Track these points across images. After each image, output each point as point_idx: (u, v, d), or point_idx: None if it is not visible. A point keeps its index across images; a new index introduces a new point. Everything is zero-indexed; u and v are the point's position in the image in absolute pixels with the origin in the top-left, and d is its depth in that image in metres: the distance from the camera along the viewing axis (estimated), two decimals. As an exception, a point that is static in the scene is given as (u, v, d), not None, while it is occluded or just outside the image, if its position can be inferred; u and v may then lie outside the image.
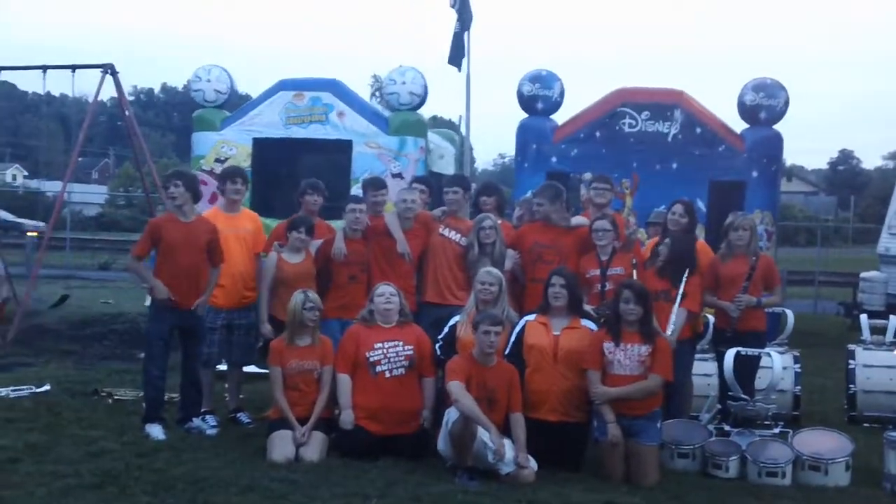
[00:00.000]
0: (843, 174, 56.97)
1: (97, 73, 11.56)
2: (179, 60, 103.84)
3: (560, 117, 11.36)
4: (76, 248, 23.72)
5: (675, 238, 6.64)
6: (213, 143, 10.63)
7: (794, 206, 39.49)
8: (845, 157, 60.04)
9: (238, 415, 7.12)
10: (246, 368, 7.44)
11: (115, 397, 7.65)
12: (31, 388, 7.79)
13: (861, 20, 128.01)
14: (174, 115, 49.14)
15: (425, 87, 10.53)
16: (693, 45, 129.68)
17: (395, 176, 9.81)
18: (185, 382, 6.81)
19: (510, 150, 12.95)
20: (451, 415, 5.83)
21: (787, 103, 10.75)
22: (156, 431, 6.47)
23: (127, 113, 12.24)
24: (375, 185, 7.59)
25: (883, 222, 16.27)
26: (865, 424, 7.54)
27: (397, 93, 10.49)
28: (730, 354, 6.36)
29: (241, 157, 10.34)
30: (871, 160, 77.85)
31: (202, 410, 6.88)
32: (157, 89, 60.80)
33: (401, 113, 10.50)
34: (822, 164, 61.48)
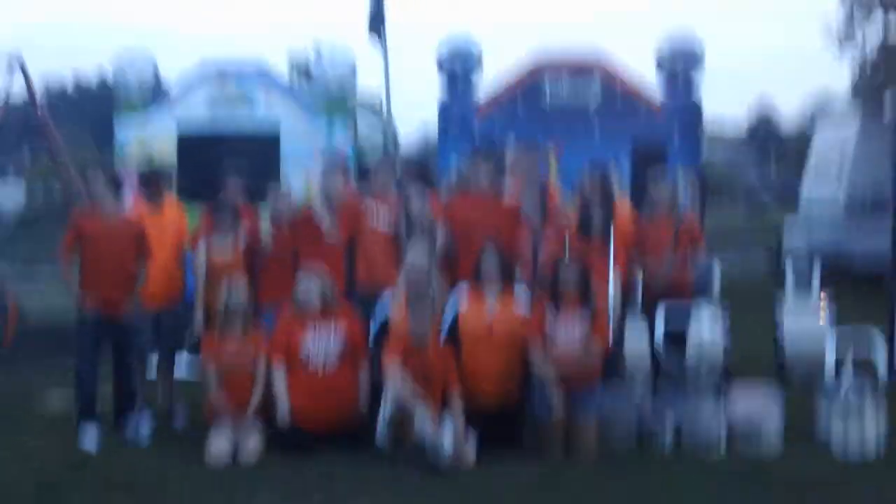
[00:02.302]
0: (762, 128, 57.85)
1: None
2: (88, 48, 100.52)
3: (480, 85, 11.32)
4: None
5: (601, 204, 6.72)
6: (136, 132, 10.36)
7: (716, 165, 40.18)
8: (763, 108, 60.82)
9: (172, 411, 6.99)
10: (177, 375, 7.30)
11: (47, 400, 7.45)
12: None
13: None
14: (88, 107, 47.65)
15: (354, 67, 10.40)
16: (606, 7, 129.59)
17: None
18: (117, 385, 6.67)
19: (431, 116, 12.85)
20: (388, 397, 5.83)
21: (702, 53, 10.85)
22: (90, 435, 6.33)
23: (39, 111, 11.87)
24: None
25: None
26: (794, 375, 7.70)
27: (324, 73, 10.32)
28: (660, 315, 6.44)
29: (168, 146, 10.10)
30: (790, 109, 79.25)
31: (136, 408, 6.72)
32: (68, 78, 58.85)
33: (328, 94, 10.35)
34: (741, 112, 61.93)
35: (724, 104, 51.06)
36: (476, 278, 6.29)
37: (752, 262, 16.00)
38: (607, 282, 6.52)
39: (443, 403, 5.91)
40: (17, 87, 11.90)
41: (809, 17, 57.95)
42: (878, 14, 16.29)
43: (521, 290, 6.34)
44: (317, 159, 9.77)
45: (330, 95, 10.33)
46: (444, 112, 11.11)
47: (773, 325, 8.13)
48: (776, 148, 47.20)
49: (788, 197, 24.16)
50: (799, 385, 7.09)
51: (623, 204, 7.33)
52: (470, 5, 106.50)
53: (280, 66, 13.61)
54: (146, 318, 6.84)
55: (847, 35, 16.41)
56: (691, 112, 10.96)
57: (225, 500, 5.20)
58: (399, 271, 6.66)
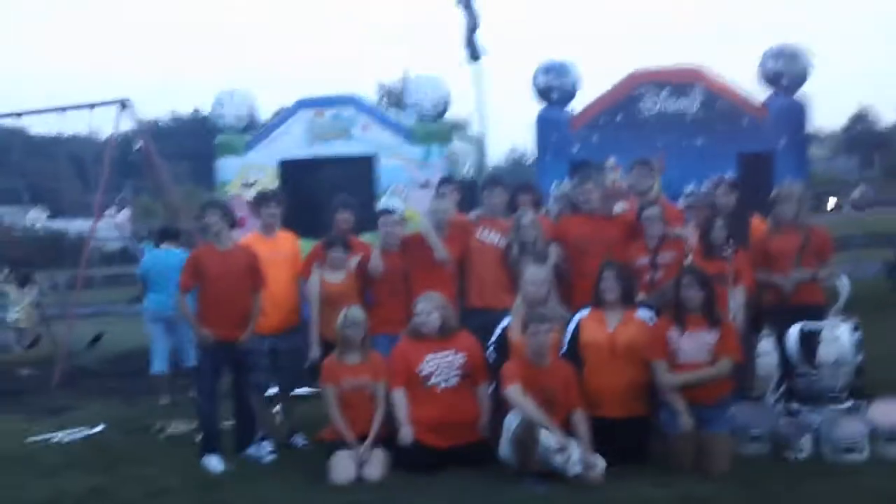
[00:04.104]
0: (862, 133, 56.00)
1: (109, 109, 11.51)
2: (179, 89, 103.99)
3: (576, 104, 11.23)
4: (105, 285, 23.80)
5: (731, 217, 6.53)
6: (237, 168, 10.60)
7: (815, 173, 38.99)
8: (862, 115, 59.01)
9: (293, 438, 7.03)
10: (297, 391, 7.36)
11: (168, 432, 7.58)
12: (84, 430, 7.74)
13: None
14: (185, 142, 49.42)
15: (448, 95, 10.46)
16: (706, 18, 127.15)
17: (422, 186, 9.70)
18: (238, 411, 6.75)
19: (522, 142, 12.89)
20: (511, 420, 5.74)
21: (809, 67, 10.57)
22: (214, 463, 6.42)
23: (139, 145, 12.26)
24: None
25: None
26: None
27: (420, 102, 10.40)
28: (793, 331, 6.21)
29: (268, 179, 10.30)
30: (890, 114, 76.25)
31: (257, 437, 6.78)
32: (164, 118, 61.11)
33: (424, 122, 10.42)
34: (836, 124, 60.26)
35: (822, 116, 49.56)
36: (596, 300, 6.16)
37: (864, 272, 15.39)
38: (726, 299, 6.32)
39: (566, 423, 5.79)
40: (122, 128, 12.26)
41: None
42: None
43: (642, 310, 6.19)
44: (415, 185, 9.88)
45: (426, 123, 10.39)
46: (542, 133, 11.05)
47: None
48: (878, 150, 45.57)
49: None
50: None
51: (756, 218, 7.10)
52: (562, 32, 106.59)
53: (371, 98, 13.85)
54: (263, 347, 6.90)
55: None
56: (797, 118, 10.65)
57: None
58: (511, 291, 6.59)
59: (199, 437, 6.70)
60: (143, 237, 10.82)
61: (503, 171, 45.03)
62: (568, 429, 5.76)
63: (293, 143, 10.54)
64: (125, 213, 12.47)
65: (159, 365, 9.22)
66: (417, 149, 10.32)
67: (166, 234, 9.53)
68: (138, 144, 12.42)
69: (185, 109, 60.60)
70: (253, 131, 10.97)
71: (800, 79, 10.57)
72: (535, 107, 11.17)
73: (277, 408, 7.29)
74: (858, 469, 5.64)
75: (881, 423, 5.84)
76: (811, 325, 6.32)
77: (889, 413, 5.92)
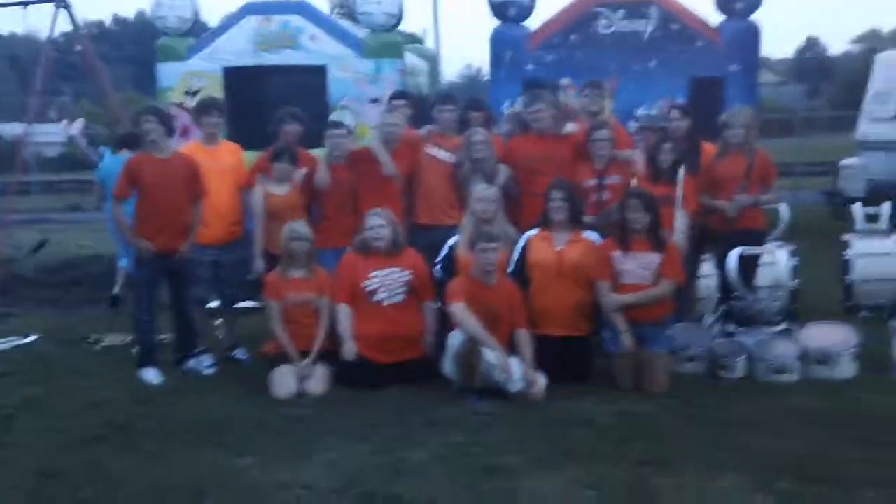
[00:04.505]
0: (810, 62, 56.42)
1: (48, 8, 11.05)
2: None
3: (533, 23, 11.04)
4: (43, 191, 23.22)
5: (682, 141, 6.51)
6: (180, 74, 10.21)
7: (764, 98, 39.24)
8: (811, 44, 59.38)
9: (234, 352, 6.98)
10: (240, 304, 7.27)
11: (104, 343, 7.47)
12: (16, 340, 7.60)
13: None
14: (128, 47, 47.91)
15: (401, 7, 10.13)
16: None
17: (372, 101, 9.47)
18: (177, 323, 6.66)
19: (476, 60, 12.66)
20: (455, 337, 5.75)
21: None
22: (151, 376, 6.35)
23: (79, 48, 11.79)
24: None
25: (855, 108, 16.18)
26: (863, 313, 7.53)
27: (372, 13, 10.06)
28: (733, 255, 6.29)
29: (213, 87, 9.94)
30: (838, 45, 76.98)
31: (197, 350, 6.73)
32: (107, 21, 59.21)
33: (376, 34, 10.11)
34: (787, 52, 60.72)
35: (772, 44, 49.76)
36: (544, 220, 6.14)
37: (805, 199, 15.65)
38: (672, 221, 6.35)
39: (510, 341, 5.82)
40: (60, 31, 11.80)
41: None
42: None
43: (589, 232, 6.20)
44: (366, 100, 9.64)
45: (378, 35, 10.10)
46: (497, 51, 10.84)
47: (838, 266, 7.92)
48: (824, 80, 46.02)
49: (840, 130, 23.70)
50: (868, 325, 6.90)
51: (707, 144, 7.09)
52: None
53: (322, 7, 13.37)
54: (205, 258, 6.78)
55: None
56: (750, 44, 10.61)
57: (294, 436, 5.15)
58: (459, 208, 6.55)
59: (136, 350, 6.61)
60: (101, 143, 10.36)
61: (457, 87, 44.42)
62: (511, 347, 5.80)
63: (238, 50, 10.15)
64: (79, 122, 12.02)
65: (126, 262, 8.85)
66: (369, 62, 10.03)
67: (125, 141, 9.03)
68: (77, 47, 11.95)
69: (128, 12, 58.73)
70: (196, 36, 10.56)
71: (754, 4, 10.51)
72: (491, 23, 10.96)
73: (219, 321, 7.21)
74: (789, 388, 5.80)
75: (812, 346, 6.00)
76: (750, 249, 6.42)
77: (820, 336, 6.08)
